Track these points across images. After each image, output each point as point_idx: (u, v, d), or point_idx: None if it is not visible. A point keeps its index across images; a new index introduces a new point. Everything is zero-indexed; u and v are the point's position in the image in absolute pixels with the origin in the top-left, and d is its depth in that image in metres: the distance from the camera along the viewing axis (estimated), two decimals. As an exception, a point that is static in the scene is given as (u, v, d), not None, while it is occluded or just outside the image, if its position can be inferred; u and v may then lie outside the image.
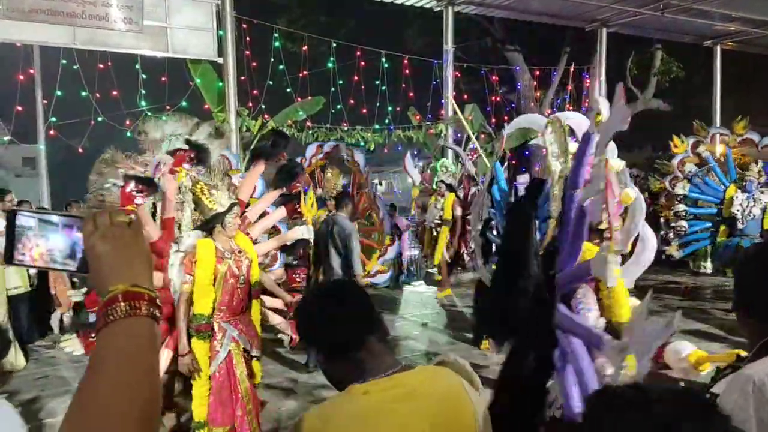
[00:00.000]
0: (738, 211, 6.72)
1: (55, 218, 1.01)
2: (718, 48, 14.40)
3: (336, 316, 1.54)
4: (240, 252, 4.00)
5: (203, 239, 3.97)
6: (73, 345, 4.35)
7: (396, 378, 1.47)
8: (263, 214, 4.74)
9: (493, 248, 5.54)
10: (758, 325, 1.51)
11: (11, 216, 1.01)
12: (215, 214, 3.93)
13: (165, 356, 3.99)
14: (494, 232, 5.54)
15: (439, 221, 9.14)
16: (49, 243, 1.00)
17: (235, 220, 4.03)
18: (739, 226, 6.68)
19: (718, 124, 14.42)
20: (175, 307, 3.95)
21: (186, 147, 4.35)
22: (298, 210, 4.93)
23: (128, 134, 5.12)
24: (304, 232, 4.86)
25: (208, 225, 3.98)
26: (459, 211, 9.26)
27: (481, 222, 5.51)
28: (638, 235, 2.58)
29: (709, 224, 7.52)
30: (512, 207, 4.87)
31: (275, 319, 4.67)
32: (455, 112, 12.13)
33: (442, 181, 9.44)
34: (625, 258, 2.54)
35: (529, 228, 4.60)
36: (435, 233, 9.15)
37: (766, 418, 1.32)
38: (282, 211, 4.84)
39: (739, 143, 7.39)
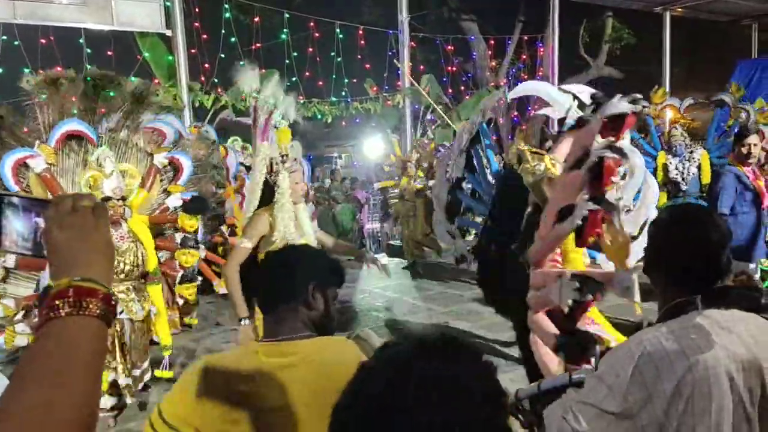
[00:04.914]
0: (677, 175, 6.85)
1: (15, 200, 0.95)
2: (668, 14, 14.61)
3: (255, 280, 1.72)
4: None
5: None
6: None
7: (285, 345, 1.53)
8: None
9: (461, 208, 5.60)
10: (671, 287, 1.55)
11: None
12: None
13: None
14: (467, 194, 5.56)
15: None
16: (14, 226, 0.95)
17: None
18: (684, 187, 6.80)
19: (668, 90, 14.74)
20: None
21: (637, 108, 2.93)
22: None
23: (73, 110, 4.90)
24: None
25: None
26: None
27: (448, 182, 5.53)
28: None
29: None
30: (509, 174, 4.88)
31: None
32: (412, 84, 12.11)
33: (241, 164, 7.57)
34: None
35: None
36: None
37: (649, 382, 1.34)
38: None
39: (659, 111, 7.47)
